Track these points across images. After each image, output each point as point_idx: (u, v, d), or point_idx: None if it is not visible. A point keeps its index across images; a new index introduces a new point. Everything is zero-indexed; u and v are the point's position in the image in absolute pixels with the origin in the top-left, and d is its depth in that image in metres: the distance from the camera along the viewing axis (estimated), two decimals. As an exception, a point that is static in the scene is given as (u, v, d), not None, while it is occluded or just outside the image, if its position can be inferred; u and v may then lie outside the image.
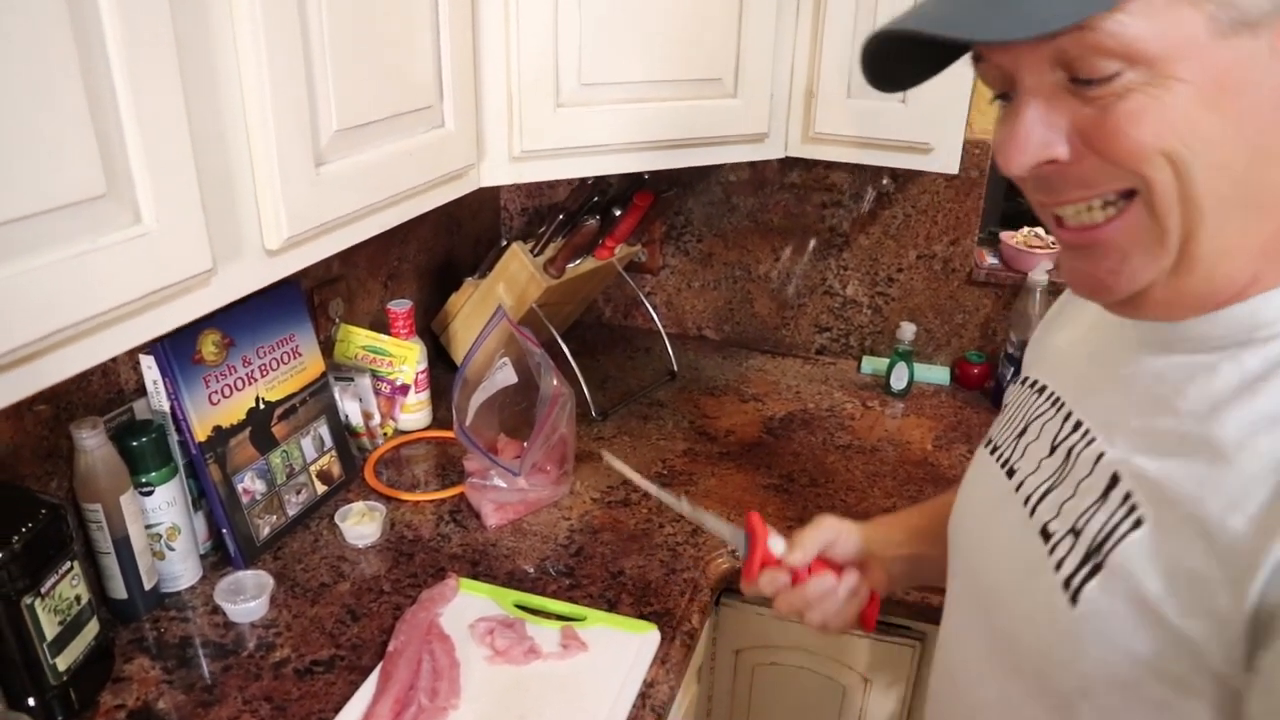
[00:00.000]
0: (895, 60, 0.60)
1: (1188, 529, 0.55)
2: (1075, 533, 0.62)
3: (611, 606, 1.13)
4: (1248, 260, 0.57)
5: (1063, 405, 0.71)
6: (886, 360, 1.78)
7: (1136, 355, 0.65)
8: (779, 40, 1.34)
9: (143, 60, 0.66)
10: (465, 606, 1.11)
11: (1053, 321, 0.84)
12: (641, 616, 1.11)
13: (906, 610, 1.20)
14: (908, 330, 1.71)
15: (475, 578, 1.17)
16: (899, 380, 1.73)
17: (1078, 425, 0.68)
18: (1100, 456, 0.64)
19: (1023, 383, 0.81)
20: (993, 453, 0.77)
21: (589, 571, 1.20)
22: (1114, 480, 0.61)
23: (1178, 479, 0.57)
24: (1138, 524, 0.58)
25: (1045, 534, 0.65)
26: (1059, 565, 0.62)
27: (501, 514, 1.28)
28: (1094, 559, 0.60)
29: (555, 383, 1.26)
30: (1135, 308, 0.62)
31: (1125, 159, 0.54)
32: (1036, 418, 0.74)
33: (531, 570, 1.20)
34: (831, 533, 0.90)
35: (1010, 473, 0.73)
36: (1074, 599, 0.60)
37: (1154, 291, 0.59)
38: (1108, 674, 0.59)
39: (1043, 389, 0.76)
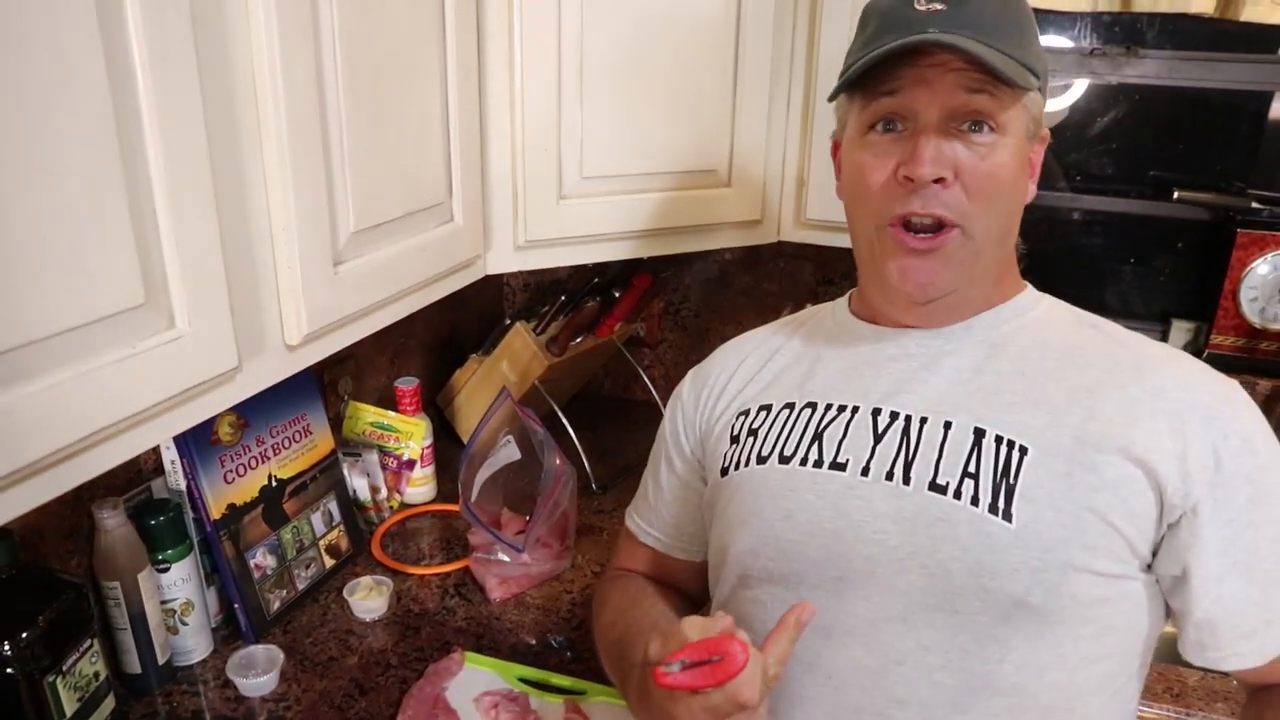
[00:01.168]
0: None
1: (1064, 443, 0.77)
2: (971, 476, 0.78)
3: (611, 680, 1.16)
4: (994, 284, 0.86)
5: (858, 409, 0.86)
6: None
7: (927, 363, 0.86)
8: (771, 133, 1.41)
9: (182, 185, 0.73)
10: (470, 680, 1.14)
11: (744, 373, 0.98)
12: (640, 690, 1.14)
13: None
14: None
15: (480, 651, 1.20)
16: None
17: (895, 415, 0.84)
18: (949, 424, 0.82)
19: (761, 409, 0.92)
20: (787, 463, 0.86)
21: (590, 645, 1.22)
22: (979, 433, 0.80)
23: (1036, 416, 0.79)
24: (1024, 451, 0.78)
25: (938, 488, 0.79)
26: (974, 501, 0.78)
27: (505, 588, 1.32)
28: (1004, 486, 0.77)
29: (558, 461, 1.31)
30: (928, 311, 0.85)
31: (979, 195, 0.78)
32: (829, 424, 0.87)
33: (534, 643, 1.23)
34: None
35: (840, 467, 0.84)
36: (1008, 518, 0.76)
37: (949, 299, 0.83)
38: (1055, 559, 0.75)
39: (811, 405, 0.89)
